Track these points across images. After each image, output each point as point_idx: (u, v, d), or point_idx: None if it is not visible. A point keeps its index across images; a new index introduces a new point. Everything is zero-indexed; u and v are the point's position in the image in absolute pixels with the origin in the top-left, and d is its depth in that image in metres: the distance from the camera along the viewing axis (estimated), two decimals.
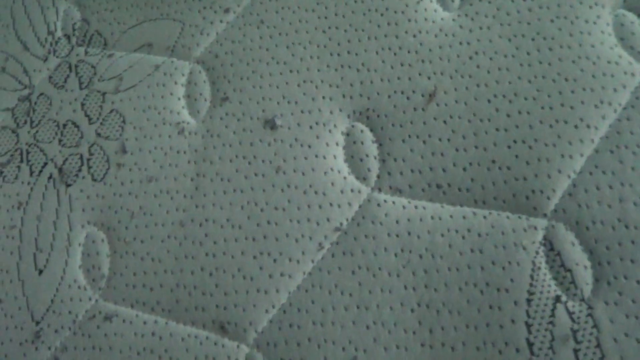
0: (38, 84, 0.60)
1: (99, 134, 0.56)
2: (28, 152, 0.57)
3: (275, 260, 0.47)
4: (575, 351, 0.40)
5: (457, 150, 0.47)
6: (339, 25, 0.55)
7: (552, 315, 0.41)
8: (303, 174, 0.49)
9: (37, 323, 0.49)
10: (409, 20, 0.53)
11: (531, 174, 0.45)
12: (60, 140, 0.56)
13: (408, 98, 0.50)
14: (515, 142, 0.46)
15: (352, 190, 0.48)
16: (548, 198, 0.44)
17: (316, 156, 0.50)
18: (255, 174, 0.50)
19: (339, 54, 0.54)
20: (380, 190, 0.48)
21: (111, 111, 0.57)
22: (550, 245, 0.43)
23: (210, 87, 0.56)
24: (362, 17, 0.55)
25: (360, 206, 0.48)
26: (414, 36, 0.53)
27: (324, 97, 0.52)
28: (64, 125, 0.57)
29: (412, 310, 0.43)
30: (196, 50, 0.58)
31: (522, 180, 0.45)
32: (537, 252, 0.43)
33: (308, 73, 0.53)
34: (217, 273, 0.48)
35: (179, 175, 0.52)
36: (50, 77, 0.60)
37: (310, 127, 0.51)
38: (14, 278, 0.51)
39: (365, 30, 0.54)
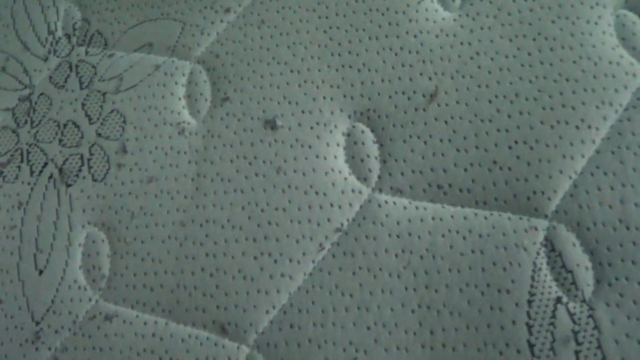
0: (38, 84, 0.60)
1: (99, 134, 0.56)
2: (28, 152, 0.57)
3: (275, 261, 0.47)
4: (576, 352, 0.40)
5: (458, 150, 0.47)
6: (340, 25, 0.55)
7: (553, 317, 0.41)
8: (304, 174, 0.49)
9: (37, 323, 0.49)
10: (410, 21, 0.53)
11: (532, 175, 0.45)
12: (60, 140, 0.56)
13: (409, 98, 0.50)
14: (516, 142, 0.46)
15: (352, 191, 0.48)
16: (549, 199, 0.44)
17: (317, 157, 0.50)
18: (256, 175, 0.50)
19: (339, 54, 0.53)
20: (381, 190, 0.48)
21: (112, 111, 0.56)
22: (551, 246, 0.43)
23: (210, 87, 0.55)
24: (363, 17, 0.54)
25: (361, 207, 0.48)
26: (415, 36, 0.52)
27: (324, 98, 0.52)
28: (65, 125, 0.57)
29: (413, 311, 0.43)
30: (197, 50, 0.58)
31: (523, 181, 0.45)
32: (538, 253, 0.43)
33: (309, 73, 0.53)
34: (218, 274, 0.48)
35: (180, 175, 0.52)
36: (50, 77, 0.60)
37: (311, 128, 0.51)
38: (14, 278, 0.51)
39: (366, 30, 0.54)
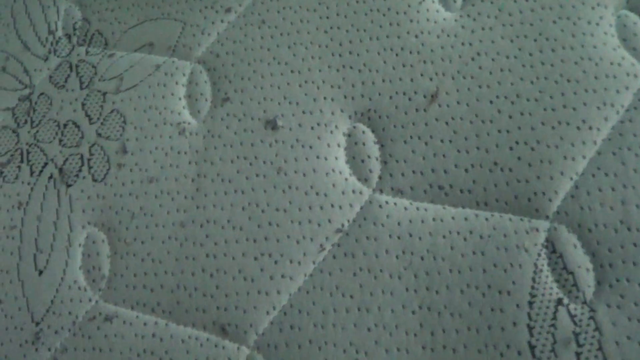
0: (38, 84, 0.60)
1: (99, 134, 0.56)
2: (28, 152, 0.56)
3: (276, 262, 0.47)
4: (577, 354, 0.40)
5: (458, 151, 0.47)
6: (341, 26, 0.55)
7: (554, 318, 0.41)
8: (304, 175, 0.49)
9: (37, 324, 0.49)
10: (411, 21, 0.53)
11: (533, 176, 0.45)
12: (60, 140, 0.56)
13: (410, 99, 0.50)
14: (517, 143, 0.46)
15: (353, 192, 0.48)
16: (550, 200, 0.44)
17: (317, 157, 0.50)
18: (257, 175, 0.50)
19: (340, 55, 0.53)
20: (381, 191, 0.48)
21: (112, 111, 0.56)
22: (552, 247, 0.43)
23: (211, 87, 0.55)
24: (363, 18, 0.54)
25: (361, 207, 0.47)
26: (416, 37, 0.52)
27: (325, 98, 0.52)
28: (65, 125, 0.57)
29: (414, 313, 0.43)
30: (197, 50, 0.58)
31: (524, 182, 0.45)
32: (539, 255, 0.43)
33: (309, 73, 0.53)
34: (218, 274, 0.47)
35: (180, 175, 0.52)
36: (50, 77, 0.60)
37: (312, 128, 0.51)
38: (14, 278, 0.51)
39: (367, 30, 0.54)
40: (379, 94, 0.51)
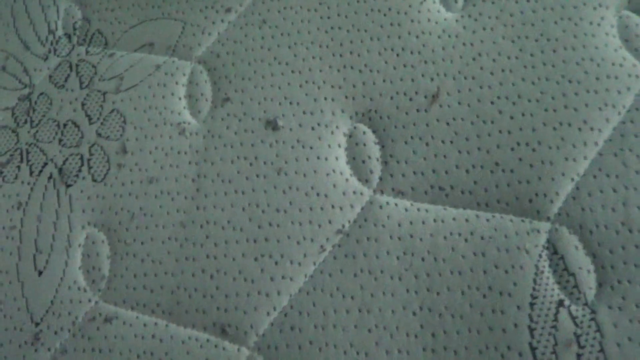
0: (38, 83, 0.60)
1: (99, 134, 0.56)
2: (28, 152, 0.56)
3: (276, 263, 0.47)
4: (579, 356, 0.40)
5: (459, 152, 0.47)
6: (342, 26, 0.54)
7: (555, 320, 0.41)
8: (305, 175, 0.49)
9: (37, 324, 0.49)
10: (412, 21, 0.53)
11: (534, 177, 0.45)
12: (60, 140, 0.56)
13: (411, 99, 0.50)
14: (518, 144, 0.46)
15: (354, 192, 0.48)
16: (551, 201, 0.44)
17: (318, 158, 0.50)
18: (257, 175, 0.50)
19: (341, 55, 0.53)
20: (382, 192, 0.48)
21: (112, 111, 0.56)
22: (553, 248, 0.43)
23: (211, 87, 0.55)
24: (364, 18, 0.54)
25: (362, 208, 0.47)
26: (417, 37, 0.52)
27: (326, 98, 0.52)
28: (64, 125, 0.57)
29: (414, 314, 0.43)
30: (197, 50, 0.57)
31: (526, 183, 0.45)
32: (540, 256, 0.43)
33: (310, 74, 0.53)
34: (218, 275, 0.47)
35: (180, 176, 0.52)
36: (50, 77, 0.60)
37: (312, 128, 0.51)
38: (13, 279, 0.51)
39: (367, 30, 0.54)
40: (380, 95, 0.51)
